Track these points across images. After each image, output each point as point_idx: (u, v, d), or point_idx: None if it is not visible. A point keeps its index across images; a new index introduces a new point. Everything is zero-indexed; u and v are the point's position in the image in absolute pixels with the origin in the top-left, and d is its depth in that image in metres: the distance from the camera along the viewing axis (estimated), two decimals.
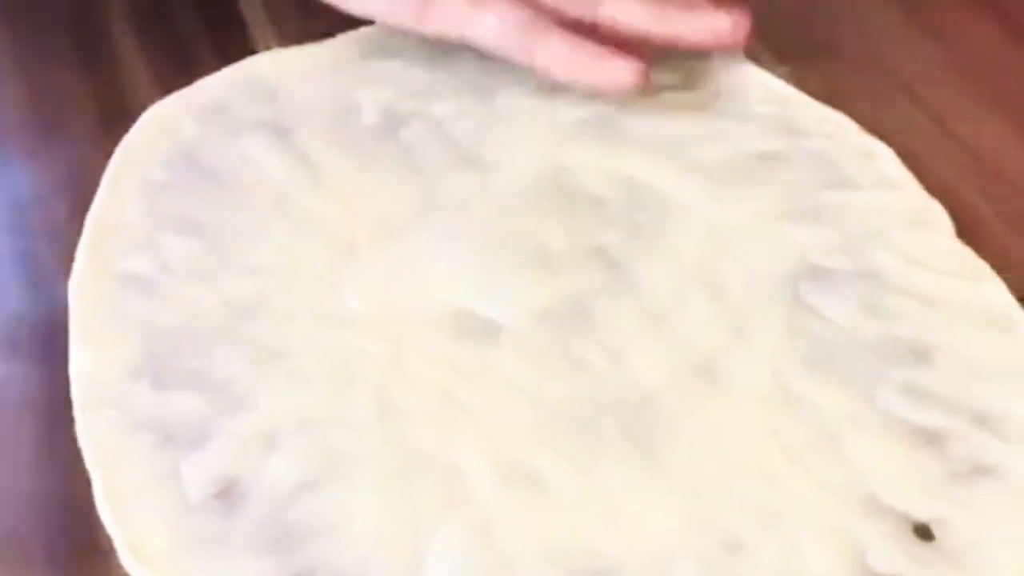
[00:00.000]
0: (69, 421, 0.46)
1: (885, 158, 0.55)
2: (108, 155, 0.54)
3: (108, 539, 0.43)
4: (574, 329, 0.49)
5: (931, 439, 0.46)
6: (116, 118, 0.56)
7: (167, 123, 0.56)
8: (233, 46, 0.59)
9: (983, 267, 0.52)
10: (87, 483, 0.44)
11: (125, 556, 0.43)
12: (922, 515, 0.44)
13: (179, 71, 0.58)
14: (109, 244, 0.51)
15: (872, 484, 0.45)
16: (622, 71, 0.54)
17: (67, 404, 0.46)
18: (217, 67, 0.58)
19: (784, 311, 0.47)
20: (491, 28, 0.55)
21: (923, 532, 0.44)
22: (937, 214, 0.54)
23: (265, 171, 0.54)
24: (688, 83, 0.58)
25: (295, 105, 0.57)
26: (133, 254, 0.51)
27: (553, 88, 0.57)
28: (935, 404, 0.47)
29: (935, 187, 0.55)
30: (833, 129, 0.57)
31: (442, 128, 0.56)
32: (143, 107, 0.56)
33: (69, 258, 0.51)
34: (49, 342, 0.49)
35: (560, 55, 0.55)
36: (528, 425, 0.46)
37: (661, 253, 0.52)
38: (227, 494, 0.44)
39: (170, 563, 0.42)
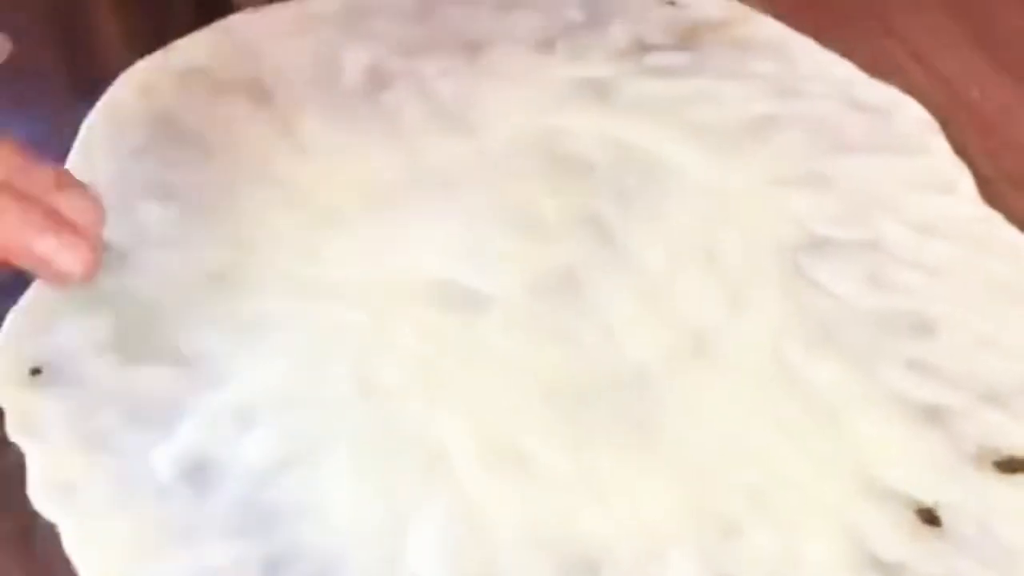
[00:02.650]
0: None
1: (903, 115, 0.53)
2: (79, 120, 0.52)
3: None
4: (565, 302, 0.47)
5: (936, 417, 0.44)
6: (89, 81, 0.53)
7: (144, 85, 0.53)
8: (212, 4, 0.57)
9: (1005, 232, 0.49)
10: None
11: (74, 549, 0.40)
12: (927, 498, 0.42)
13: (155, 31, 0.55)
14: None
15: (873, 465, 0.43)
16: None
17: None
18: (195, 27, 0.55)
19: (783, 283, 0.45)
20: None
21: (928, 517, 0.42)
22: (959, 176, 0.51)
23: (245, 136, 0.52)
24: (683, 42, 0.56)
25: (276, 66, 0.54)
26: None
27: (545, 45, 0.54)
28: (940, 380, 0.45)
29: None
30: (837, 89, 0.54)
31: (427, 89, 0.54)
32: (117, 69, 0.54)
33: None
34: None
35: None
36: (515, 402, 0.44)
37: (654, 222, 0.49)
38: (198, 475, 0.42)
39: (132, 551, 0.40)
